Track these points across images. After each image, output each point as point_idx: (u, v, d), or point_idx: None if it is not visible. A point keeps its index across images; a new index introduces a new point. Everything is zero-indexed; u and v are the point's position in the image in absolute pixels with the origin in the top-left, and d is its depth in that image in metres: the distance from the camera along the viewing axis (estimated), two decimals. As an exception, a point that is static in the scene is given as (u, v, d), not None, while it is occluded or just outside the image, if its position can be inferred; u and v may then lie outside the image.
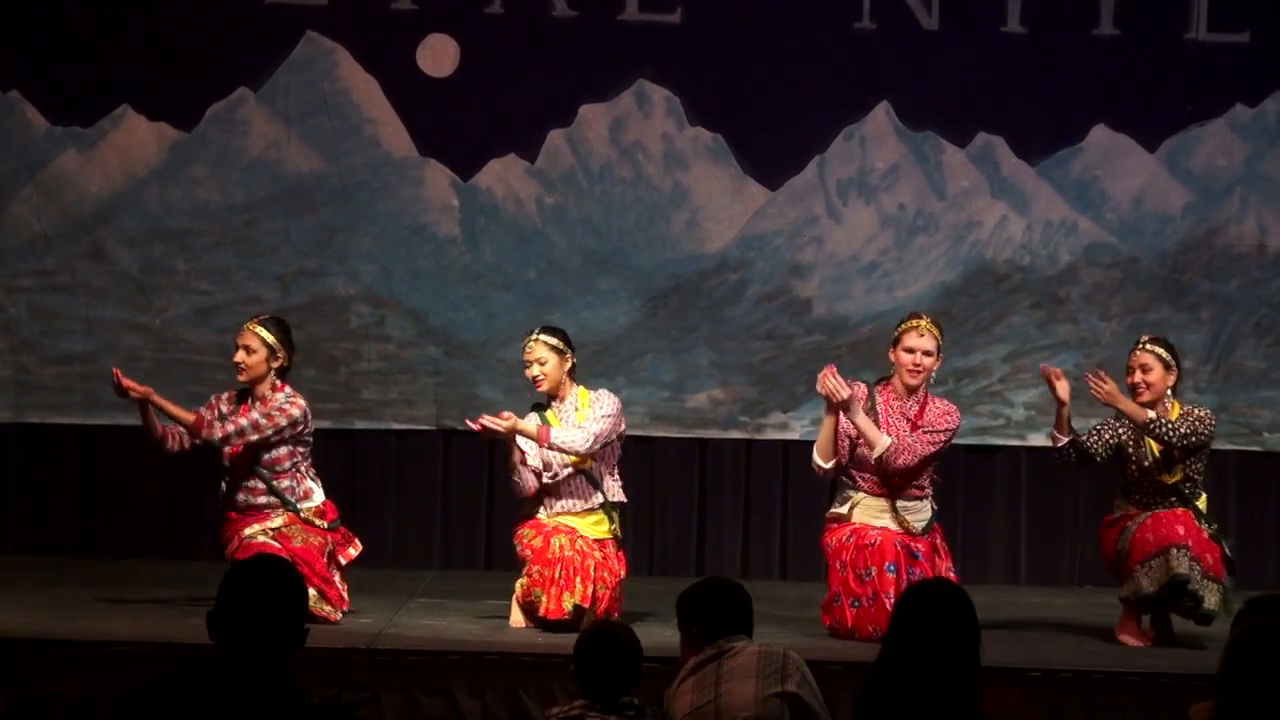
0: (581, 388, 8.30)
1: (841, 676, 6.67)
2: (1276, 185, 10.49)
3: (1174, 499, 8.13)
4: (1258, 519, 10.50)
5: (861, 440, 8.07)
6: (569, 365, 8.28)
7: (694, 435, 10.45)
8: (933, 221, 10.43)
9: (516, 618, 8.17)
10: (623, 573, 8.25)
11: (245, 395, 8.25)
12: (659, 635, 7.11)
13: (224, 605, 3.86)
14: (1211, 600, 7.90)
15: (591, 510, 8.23)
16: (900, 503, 8.12)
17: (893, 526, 8.07)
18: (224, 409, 8.23)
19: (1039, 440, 10.44)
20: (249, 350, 8.19)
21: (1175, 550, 7.91)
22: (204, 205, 10.30)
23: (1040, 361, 10.37)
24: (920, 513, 8.14)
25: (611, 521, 8.25)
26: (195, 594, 8.19)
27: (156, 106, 10.24)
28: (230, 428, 8.10)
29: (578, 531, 8.17)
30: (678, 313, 10.42)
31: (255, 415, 8.12)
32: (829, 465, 8.12)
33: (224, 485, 8.27)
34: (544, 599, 7.99)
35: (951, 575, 7.82)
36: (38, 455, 10.34)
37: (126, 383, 8.01)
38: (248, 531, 8.16)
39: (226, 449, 8.18)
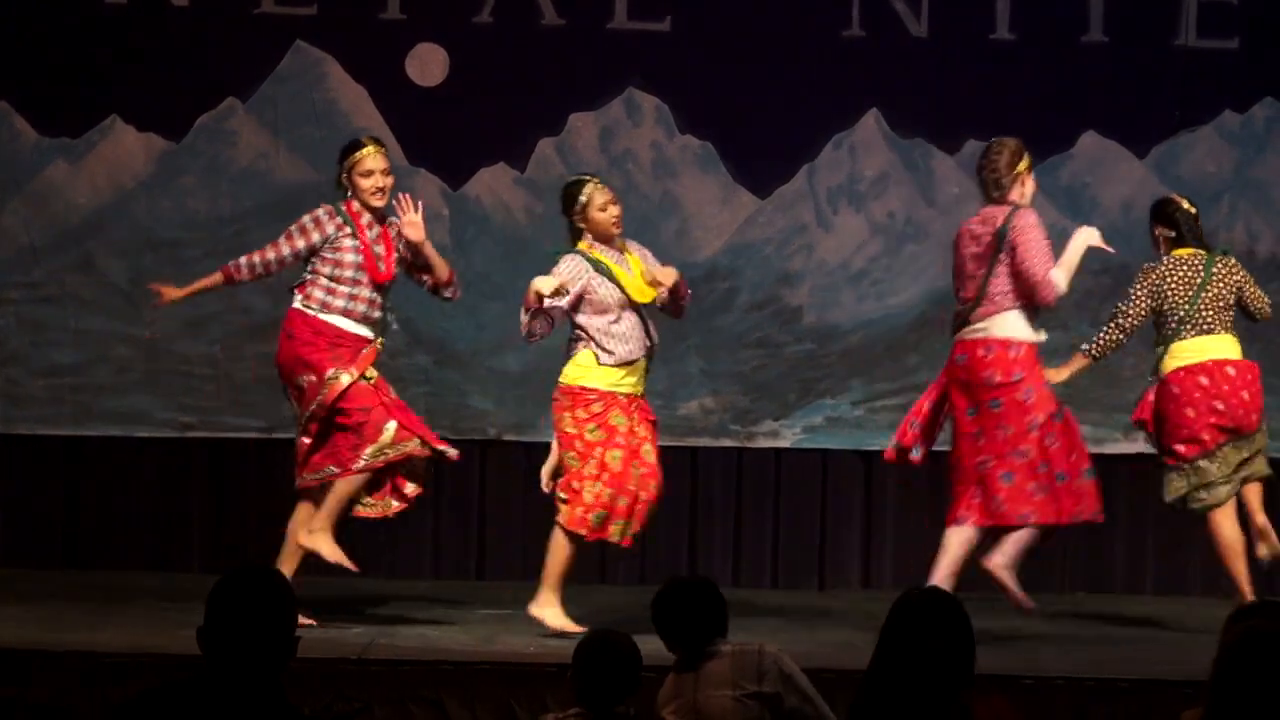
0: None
1: (834, 684, 6.66)
2: (1265, 191, 10.49)
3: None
4: (1245, 526, 10.46)
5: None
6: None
7: (685, 444, 10.43)
8: (923, 229, 10.42)
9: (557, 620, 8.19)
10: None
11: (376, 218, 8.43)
12: (651, 644, 7.10)
13: (213, 619, 3.85)
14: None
15: (649, 354, 8.41)
16: None
17: None
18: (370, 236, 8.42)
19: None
20: (386, 172, 8.39)
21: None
22: (193, 216, 10.29)
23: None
24: None
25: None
26: (185, 606, 8.15)
27: (145, 117, 10.21)
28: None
29: (633, 406, 8.33)
30: (668, 321, 10.40)
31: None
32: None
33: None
34: (616, 528, 8.21)
35: None
36: (26, 467, 10.32)
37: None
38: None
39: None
